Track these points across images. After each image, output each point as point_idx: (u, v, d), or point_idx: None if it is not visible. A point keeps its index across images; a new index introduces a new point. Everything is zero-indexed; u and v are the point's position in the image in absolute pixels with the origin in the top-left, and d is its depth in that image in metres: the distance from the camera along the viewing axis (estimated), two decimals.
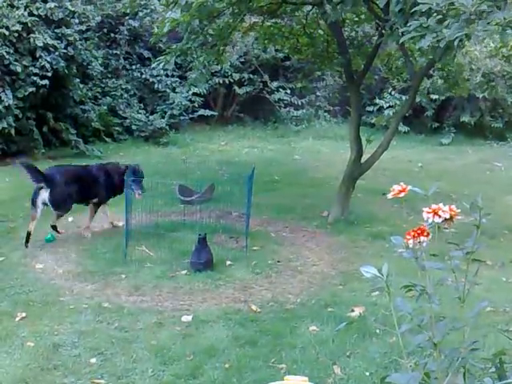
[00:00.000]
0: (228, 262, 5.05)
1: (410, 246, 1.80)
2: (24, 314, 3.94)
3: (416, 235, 1.79)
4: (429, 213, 1.82)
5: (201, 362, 3.43)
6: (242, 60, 12.38)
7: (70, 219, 6.07)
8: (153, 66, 7.34)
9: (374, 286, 1.82)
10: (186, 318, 4.00)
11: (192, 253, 4.88)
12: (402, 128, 12.92)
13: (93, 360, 3.44)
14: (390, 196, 1.88)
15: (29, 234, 5.22)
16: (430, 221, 1.80)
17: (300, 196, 7.35)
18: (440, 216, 1.80)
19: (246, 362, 3.43)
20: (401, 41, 4.46)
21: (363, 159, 6.55)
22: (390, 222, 6.32)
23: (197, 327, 3.88)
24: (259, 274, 4.84)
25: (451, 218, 1.83)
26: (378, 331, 3.84)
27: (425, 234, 1.79)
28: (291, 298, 4.41)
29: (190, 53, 6.51)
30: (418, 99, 12.48)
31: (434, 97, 12.62)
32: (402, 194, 1.85)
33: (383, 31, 5.45)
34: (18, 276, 4.60)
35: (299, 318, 4.06)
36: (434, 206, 1.82)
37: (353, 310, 4.18)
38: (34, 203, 5.22)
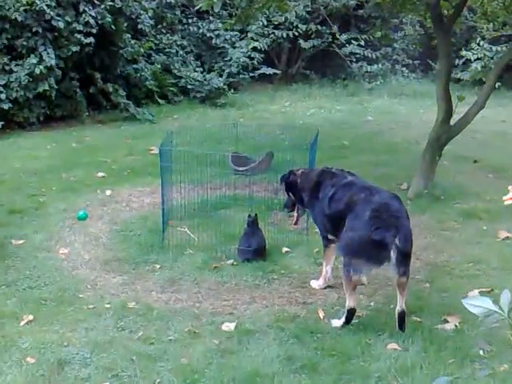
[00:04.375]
0: (284, 249, 4.18)
1: None
2: (31, 317, 3.25)
3: None
4: None
5: None
6: (309, 9, 11.11)
7: (108, 193, 5.35)
8: (195, 8, 6.42)
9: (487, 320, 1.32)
10: (228, 327, 3.18)
11: (240, 238, 4.02)
12: None
13: None
14: (506, 202, 1.66)
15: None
16: None
17: (373, 164, 6.31)
18: None
19: None
20: None
21: (452, 120, 5.43)
22: (486, 196, 5.26)
23: (240, 341, 3.05)
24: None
25: None
26: (481, 352, 2.88)
27: None
28: (363, 301, 3.49)
29: None
30: None
31: None
32: None
33: None
34: (36, 264, 3.92)
35: (374, 330, 3.15)
36: None
37: (446, 321, 3.28)
38: None
